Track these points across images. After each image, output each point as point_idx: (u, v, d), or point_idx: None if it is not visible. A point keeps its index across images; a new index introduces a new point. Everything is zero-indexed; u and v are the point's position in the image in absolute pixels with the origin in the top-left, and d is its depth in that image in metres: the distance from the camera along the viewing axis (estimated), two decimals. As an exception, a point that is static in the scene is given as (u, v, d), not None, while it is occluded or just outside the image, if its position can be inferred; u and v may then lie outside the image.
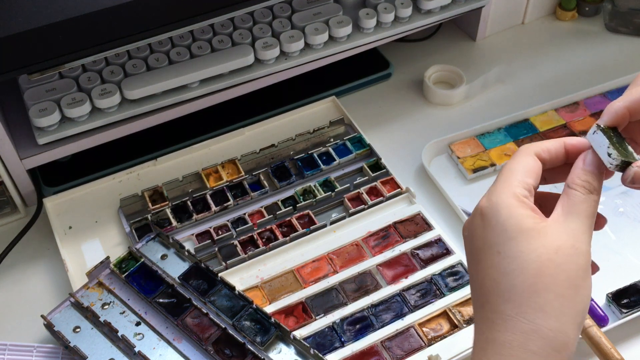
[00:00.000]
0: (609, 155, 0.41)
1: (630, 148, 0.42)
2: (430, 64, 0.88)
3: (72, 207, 0.74)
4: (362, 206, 0.73)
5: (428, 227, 0.71)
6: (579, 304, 0.39)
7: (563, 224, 0.40)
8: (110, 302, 0.65)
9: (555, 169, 0.45)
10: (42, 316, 0.63)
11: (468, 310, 0.65)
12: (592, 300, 0.64)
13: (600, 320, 0.63)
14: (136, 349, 0.61)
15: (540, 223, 0.40)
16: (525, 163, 0.43)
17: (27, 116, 0.71)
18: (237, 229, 0.71)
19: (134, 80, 0.72)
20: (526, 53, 0.94)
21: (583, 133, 0.81)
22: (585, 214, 0.41)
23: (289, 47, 0.76)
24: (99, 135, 0.73)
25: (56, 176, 0.76)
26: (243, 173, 0.76)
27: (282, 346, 0.62)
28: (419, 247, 0.70)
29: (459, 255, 0.69)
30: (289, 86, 0.82)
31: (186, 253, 0.68)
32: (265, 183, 0.75)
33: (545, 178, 0.46)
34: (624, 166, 0.41)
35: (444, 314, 0.65)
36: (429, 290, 0.66)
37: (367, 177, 0.76)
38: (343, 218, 0.72)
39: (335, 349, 0.62)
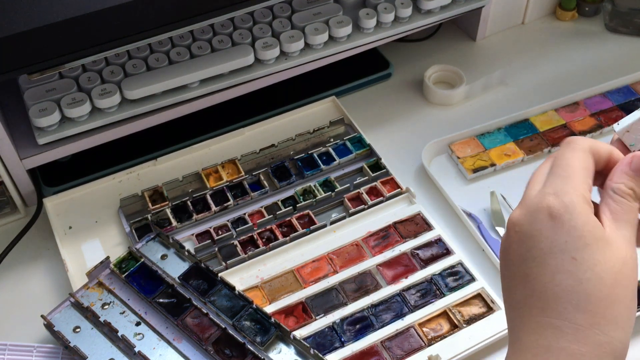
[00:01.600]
0: None
1: None
2: (430, 64, 0.88)
3: (72, 207, 0.74)
4: (362, 206, 0.73)
5: (428, 227, 0.71)
6: (635, 314, 0.40)
7: (620, 233, 0.39)
8: (110, 302, 0.65)
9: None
10: (42, 316, 0.63)
11: (468, 310, 0.65)
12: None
13: (600, 320, 0.63)
14: (136, 349, 0.61)
15: (604, 231, 0.39)
16: (585, 161, 0.40)
17: (27, 116, 0.71)
18: (237, 229, 0.71)
19: (134, 80, 0.72)
20: (526, 53, 0.94)
21: (583, 133, 0.81)
22: (633, 222, 0.40)
23: (289, 47, 0.76)
24: (99, 135, 0.73)
25: (56, 176, 0.76)
26: (243, 173, 0.76)
27: (282, 346, 0.62)
28: (419, 247, 0.70)
29: (459, 255, 0.69)
30: (289, 86, 0.82)
31: (186, 253, 0.68)
32: (265, 183, 0.75)
33: None
34: None
35: (444, 314, 0.65)
36: (429, 290, 0.66)
37: (367, 177, 0.76)
38: (343, 218, 0.72)
39: (335, 349, 0.62)
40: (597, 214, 0.40)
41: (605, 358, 0.37)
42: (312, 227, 0.71)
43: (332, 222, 0.72)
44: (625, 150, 0.43)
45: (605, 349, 0.37)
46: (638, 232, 0.41)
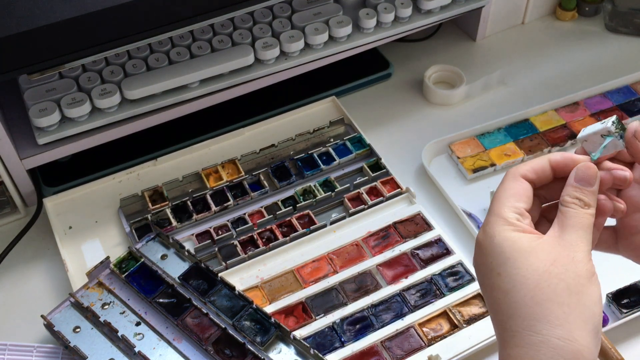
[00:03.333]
0: (609, 132, 0.43)
1: None
2: (430, 64, 0.88)
3: (72, 207, 0.74)
4: (362, 206, 0.73)
5: (428, 227, 0.71)
6: (584, 311, 0.40)
7: (558, 238, 0.42)
8: (110, 302, 0.65)
9: (551, 187, 0.46)
10: (42, 316, 0.63)
11: (468, 310, 0.65)
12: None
13: (600, 320, 0.63)
14: (136, 349, 0.61)
15: (535, 241, 0.41)
16: (511, 188, 0.44)
17: (27, 116, 0.71)
18: (237, 229, 0.71)
19: (134, 80, 0.72)
20: (526, 53, 0.94)
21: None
22: (579, 225, 0.42)
23: (289, 47, 0.76)
24: (99, 135, 0.73)
25: (56, 176, 0.76)
26: (243, 173, 0.76)
27: (282, 346, 0.62)
28: (419, 247, 0.70)
29: (459, 255, 0.69)
30: (289, 86, 0.82)
31: (186, 253, 0.68)
32: (265, 183, 0.75)
33: (545, 197, 0.47)
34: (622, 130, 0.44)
35: (444, 314, 0.65)
36: (429, 290, 0.66)
37: (367, 177, 0.76)
38: (343, 218, 0.72)
39: (335, 349, 0.62)
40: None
41: (543, 356, 0.39)
42: (312, 227, 0.71)
43: (332, 222, 0.72)
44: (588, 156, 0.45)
45: (541, 348, 0.39)
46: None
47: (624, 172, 0.44)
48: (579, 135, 0.46)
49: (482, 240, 0.43)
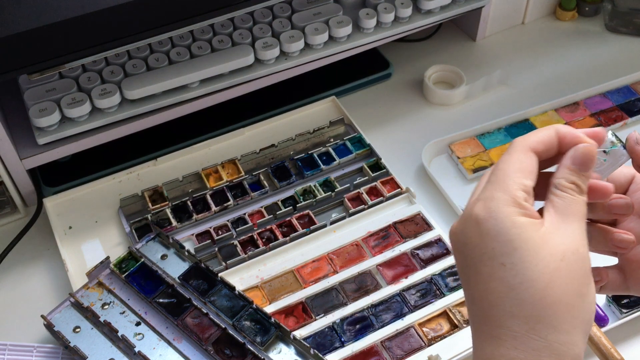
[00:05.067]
0: (612, 142, 0.41)
1: None
2: (430, 64, 0.88)
3: (72, 207, 0.74)
4: (362, 206, 0.73)
5: (428, 227, 0.71)
6: (586, 312, 0.38)
7: (562, 228, 0.38)
8: (110, 302, 0.65)
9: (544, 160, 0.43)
10: (42, 316, 0.63)
11: (468, 310, 0.65)
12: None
13: (600, 320, 0.64)
14: (136, 349, 0.61)
15: (541, 229, 0.38)
16: (520, 161, 0.40)
17: (27, 116, 0.71)
18: (237, 229, 0.71)
19: (134, 80, 0.72)
20: (526, 53, 0.94)
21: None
22: (579, 215, 0.39)
23: (289, 47, 0.76)
24: (99, 135, 0.73)
25: (56, 176, 0.76)
26: (243, 173, 0.76)
27: (282, 346, 0.62)
28: (419, 247, 0.70)
29: (459, 255, 0.69)
30: (289, 86, 0.82)
31: (186, 253, 0.68)
32: (265, 183, 0.75)
33: None
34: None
35: (444, 314, 0.65)
36: (429, 290, 0.66)
37: (367, 177, 0.76)
38: (343, 218, 0.72)
39: (335, 349, 0.62)
40: (541, 211, 0.39)
41: None
42: (312, 227, 0.71)
43: (332, 222, 0.72)
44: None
45: (544, 353, 0.36)
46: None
47: (625, 199, 0.42)
48: None
49: (484, 218, 0.38)
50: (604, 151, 0.42)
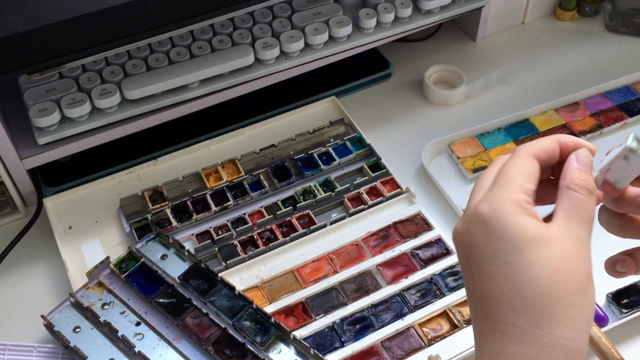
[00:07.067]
0: (631, 149, 0.41)
1: None
2: (430, 64, 0.88)
3: (72, 207, 0.74)
4: (362, 206, 0.73)
5: (428, 227, 0.71)
6: (588, 309, 0.39)
7: (567, 230, 0.39)
8: (110, 302, 0.65)
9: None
10: (42, 316, 0.63)
11: (468, 311, 0.65)
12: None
13: (600, 320, 0.63)
14: (136, 349, 0.61)
15: (544, 230, 0.39)
16: (523, 165, 0.41)
17: (27, 116, 0.71)
18: (237, 229, 0.71)
19: (134, 80, 0.72)
20: (526, 53, 0.94)
21: (583, 133, 0.81)
22: (587, 218, 0.40)
23: (289, 47, 0.76)
24: (99, 135, 0.73)
25: (56, 176, 0.76)
26: (243, 173, 0.76)
27: (282, 346, 0.62)
28: (419, 247, 0.70)
29: (459, 255, 0.69)
30: (289, 86, 0.82)
31: (186, 253, 0.68)
32: (265, 183, 0.75)
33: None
34: None
35: (444, 314, 0.65)
36: (429, 290, 0.66)
37: (367, 177, 0.76)
38: (343, 218, 0.72)
39: (335, 349, 0.62)
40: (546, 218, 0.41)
41: (551, 357, 0.37)
42: (312, 227, 0.71)
43: (332, 222, 0.72)
44: (612, 190, 0.43)
45: (551, 349, 0.37)
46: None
47: None
48: (600, 167, 0.43)
49: (489, 217, 0.39)
50: (625, 156, 0.42)
